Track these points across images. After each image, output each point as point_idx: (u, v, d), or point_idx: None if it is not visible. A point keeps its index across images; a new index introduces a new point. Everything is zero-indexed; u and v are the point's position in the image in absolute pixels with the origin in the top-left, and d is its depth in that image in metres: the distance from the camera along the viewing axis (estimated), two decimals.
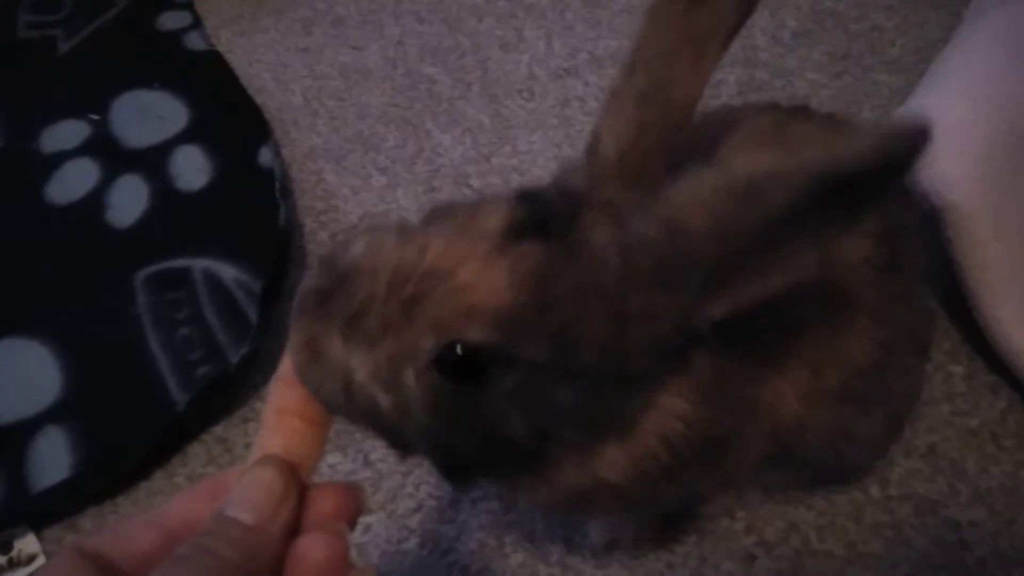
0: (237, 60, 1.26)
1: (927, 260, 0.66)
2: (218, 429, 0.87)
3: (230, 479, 0.43)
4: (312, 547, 0.40)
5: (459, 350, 0.42)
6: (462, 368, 0.43)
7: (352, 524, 0.44)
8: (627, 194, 0.45)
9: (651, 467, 0.51)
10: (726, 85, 1.13)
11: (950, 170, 0.80)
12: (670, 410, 0.50)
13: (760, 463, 0.63)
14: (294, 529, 0.42)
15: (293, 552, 0.40)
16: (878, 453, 0.74)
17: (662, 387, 0.49)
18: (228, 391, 0.88)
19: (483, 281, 0.42)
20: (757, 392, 0.56)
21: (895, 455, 0.79)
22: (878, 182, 0.37)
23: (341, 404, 0.45)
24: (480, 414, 0.44)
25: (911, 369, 0.66)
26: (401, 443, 0.48)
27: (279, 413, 0.44)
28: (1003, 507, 0.76)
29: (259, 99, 1.17)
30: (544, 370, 0.43)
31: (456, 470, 0.50)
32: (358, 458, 0.83)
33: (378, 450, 0.84)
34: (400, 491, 0.80)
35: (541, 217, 0.44)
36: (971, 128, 0.83)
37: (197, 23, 1.31)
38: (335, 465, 0.83)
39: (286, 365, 0.45)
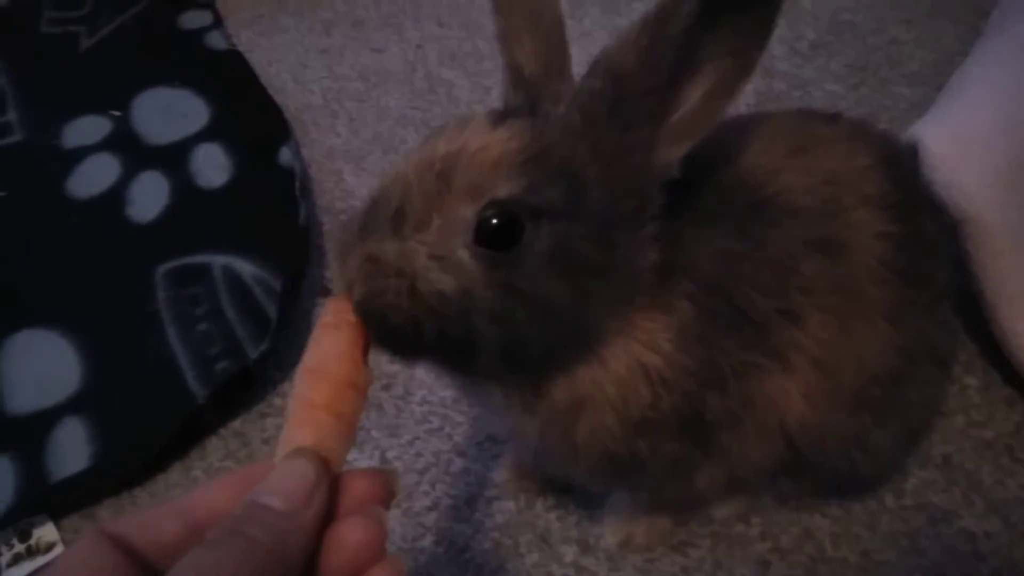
0: (257, 60, 1.27)
1: (952, 275, 0.66)
2: (236, 423, 0.87)
3: (258, 472, 0.42)
4: (350, 531, 0.41)
5: (491, 224, 0.47)
6: (501, 233, 0.47)
7: (387, 508, 0.44)
8: (562, 84, 0.55)
9: (634, 400, 0.54)
10: (743, 94, 1.13)
11: (970, 183, 0.81)
12: (645, 336, 0.53)
13: (775, 469, 0.64)
14: (327, 519, 0.42)
15: (330, 536, 0.41)
16: (892, 465, 0.74)
17: (640, 309, 0.53)
18: (247, 386, 0.88)
19: (493, 143, 0.48)
20: (760, 384, 0.57)
21: (910, 465, 0.79)
22: None
23: (406, 307, 0.48)
24: (528, 279, 0.48)
25: (931, 381, 0.66)
26: (465, 344, 0.49)
27: (307, 406, 0.44)
28: (1018, 519, 0.76)
29: (279, 99, 1.18)
30: (564, 218, 0.48)
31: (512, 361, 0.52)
32: (375, 455, 0.83)
33: (395, 448, 0.84)
34: (416, 489, 0.81)
35: (511, 111, 0.53)
36: (991, 141, 0.84)
37: (218, 22, 1.33)
38: (352, 462, 0.83)
39: (313, 356, 0.46)
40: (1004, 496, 0.77)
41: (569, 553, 0.76)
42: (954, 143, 0.84)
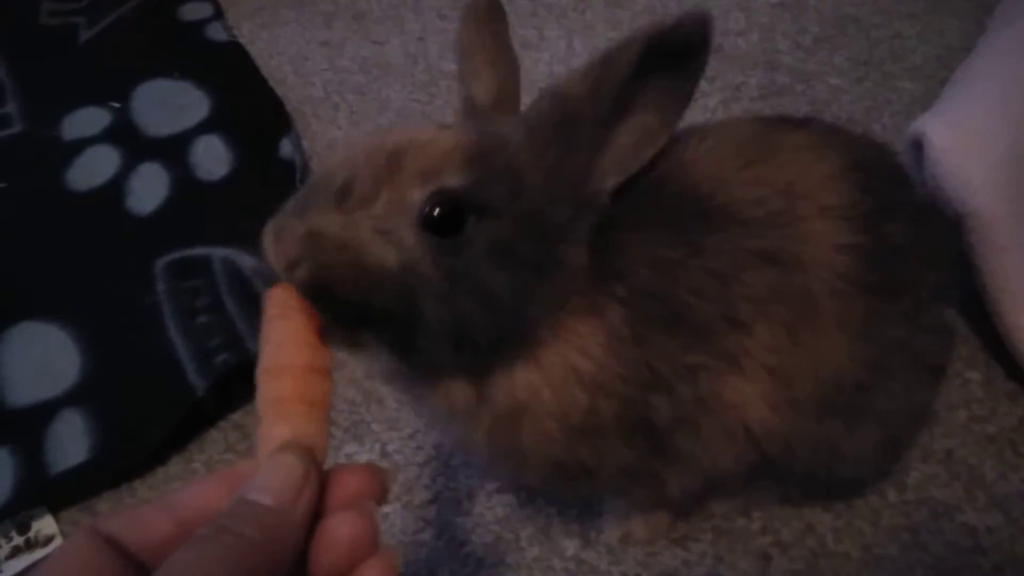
0: (258, 52, 1.26)
1: (944, 278, 0.64)
2: (236, 416, 0.87)
3: (246, 471, 0.42)
4: (340, 526, 0.40)
5: (437, 211, 0.48)
6: (445, 221, 0.49)
7: (379, 504, 0.44)
8: (508, 117, 0.57)
9: (571, 406, 0.54)
10: (747, 88, 1.13)
11: (973, 176, 0.80)
12: (578, 339, 0.54)
13: (749, 472, 0.63)
14: (317, 514, 0.41)
15: (321, 531, 0.40)
16: (875, 470, 0.73)
17: (573, 313, 0.54)
18: (247, 379, 0.87)
19: (444, 137, 0.51)
20: (712, 386, 0.57)
21: (912, 460, 0.79)
22: (691, 54, 0.50)
23: (352, 279, 0.48)
24: (470, 267, 0.50)
25: (912, 388, 0.64)
26: (409, 322, 0.49)
27: (277, 403, 0.44)
28: (1020, 513, 0.75)
29: (280, 91, 1.18)
30: (504, 216, 0.50)
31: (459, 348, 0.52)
32: (375, 448, 0.83)
33: (395, 441, 0.84)
34: (416, 482, 0.81)
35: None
36: (996, 136, 0.83)
37: (219, 14, 1.32)
38: (352, 455, 0.83)
39: (268, 353, 0.45)
40: (1006, 491, 0.77)
41: (570, 547, 0.76)
42: (958, 137, 0.83)
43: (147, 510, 0.41)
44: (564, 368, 0.54)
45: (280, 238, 0.47)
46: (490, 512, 0.78)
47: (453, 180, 0.49)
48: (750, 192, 0.58)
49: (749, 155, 0.60)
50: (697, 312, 0.56)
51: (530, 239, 0.51)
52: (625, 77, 0.49)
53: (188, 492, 0.42)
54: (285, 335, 0.45)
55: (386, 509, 0.79)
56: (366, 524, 0.41)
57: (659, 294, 0.55)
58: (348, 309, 0.48)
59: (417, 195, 0.48)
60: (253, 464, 0.42)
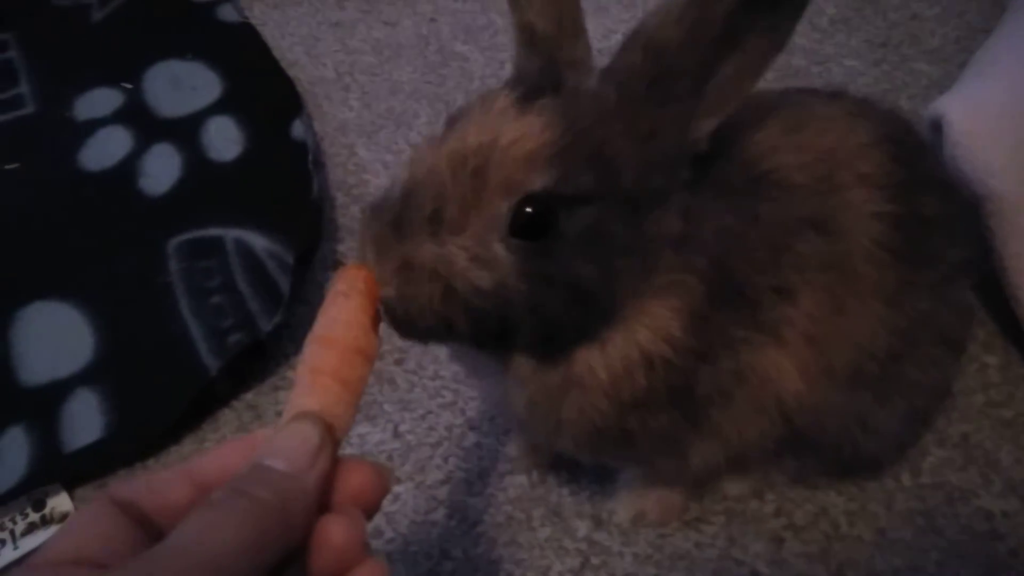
0: (270, 33, 1.26)
1: (966, 255, 0.65)
2: (249, 396, 0.87)
3: (264, 437, 0.42)
4: (331, 525, 0.40)
5: (526, 214, 0.47)
6: (535, 224, 0.48)
7: (376, 506, 0.44)
8: (579, 46, 0.53)
9: (627, 385, 0.54)
10: None
11: (994, 158, 0.79)
12: (658, 321, 0.53)
13: (776, 447, 0.63)
14: (326, 494, 0.41)
15: (315, 533, 0.40)
16: (898, 446, 0.73)
17: (656, 294, 0.53)
18: (259, 359, 0.88)
19: (525, 133, 0.48)
20: (751, 359, 0.57)
21: (928, 444, 0.78)
22: None
23: (437, 309, 0.48)
24: (561, 265, 0.49)
25: (936, 362, 0.65)
26: (491, 327, 0.50)
27: (314, 373, 0.44)
28: None
29: (291, 72, 1.17)
30: (595, 202, 0.48)
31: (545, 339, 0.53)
32: (388, 428, 0.83)
33: (407, 422, 0.84)
34: (428, 463, 0.81)
35: (535, 86, 0.51)
36: (1016, 117, 0.82)
37: None
38: (365, 435, 0.83)
39: (321, 324, 0.46)
40: (1023, 475, 0.76)
41: (582, 528, 0.76)
42: (979, 118, 0.82)
43: (165, 475, 0.42)
44: (628, 351, 0.53)
45: (382, 256, 0.48)
46: (502, 492, 0.78)
47: (538, 183, 0.47)
48: (794, 158, 0.58)
49: (789, 122, 0.60)
50: (751, 284, 0.55)
51: (622, 217, 0.50)
52: (730, 11, 0.46)
53: (206, 457, 0.43)
54: (343, 312, 0.46)
55: (398, 489, 0.79)
56: (357, 530, 0.41)
57: (724, 266, 0.54)
58: (427, 333, 0.50)
59: (503, 207, 0.48)
60: (271, 431, 0.43)
